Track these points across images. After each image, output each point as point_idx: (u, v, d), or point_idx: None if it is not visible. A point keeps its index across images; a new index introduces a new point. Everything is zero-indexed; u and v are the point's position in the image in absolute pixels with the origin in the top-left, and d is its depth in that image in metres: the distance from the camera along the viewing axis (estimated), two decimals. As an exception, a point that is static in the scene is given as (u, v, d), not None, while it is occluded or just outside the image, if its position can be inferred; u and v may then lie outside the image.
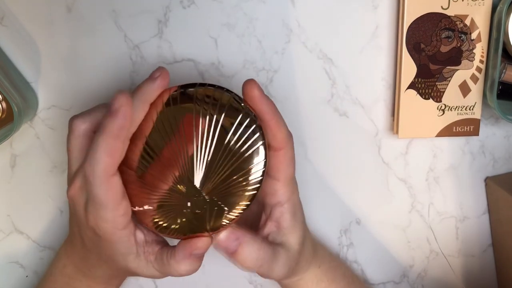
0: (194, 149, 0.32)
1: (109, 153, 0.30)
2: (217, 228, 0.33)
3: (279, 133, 0.34)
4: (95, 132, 0.34)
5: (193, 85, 0.33)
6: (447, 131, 0.44)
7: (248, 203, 0.33)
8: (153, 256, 0.34)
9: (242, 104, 0.33)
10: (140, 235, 0.34)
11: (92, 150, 0.30)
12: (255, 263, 0.34)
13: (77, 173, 0.33)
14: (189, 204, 0.33)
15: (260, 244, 0.34)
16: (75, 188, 0.33)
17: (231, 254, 0.34)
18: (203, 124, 0.32)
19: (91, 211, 0.32)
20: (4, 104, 0.42)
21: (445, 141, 0.46)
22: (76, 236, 0.36)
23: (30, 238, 0.46)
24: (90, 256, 0.36)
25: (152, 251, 0.34)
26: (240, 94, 0.34)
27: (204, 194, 0.33)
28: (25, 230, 0.46)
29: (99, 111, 0.35)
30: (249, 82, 0.33)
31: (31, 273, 0.47)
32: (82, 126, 0.34)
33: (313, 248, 0.41)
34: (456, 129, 0.44)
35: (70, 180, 0.34)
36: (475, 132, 0.44)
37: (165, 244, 0.35)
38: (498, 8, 0.41)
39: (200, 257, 0.34)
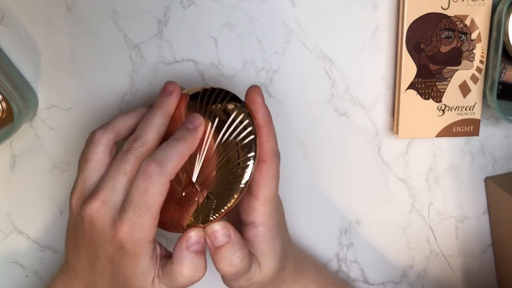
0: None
1: (182, 157, 0.32)
2: (206, 221, 0.33)
3: (267, 144, 0.34)
4: (115, 143, 0.34)
5: (198, 93, 0.36)
6: (447, 131, 0.44)
7: (237, 196, 0.33)
8: (161, 271, 0.33)
9: (240, 102, 0.34)
10: (157, 250, 0.33)
11: (163, 152, 0.31)
12: (229, 269, 0.33)
13: (101, 188, 0.32)
14: (183, 194, 0.34)
15: (245, 254, 0.34)
16: (97, 204, 0.31)
17: (215, 248, 0.33)
18: (206, 122, 0.34)
19: (131, 218, 0.30)
20: (4, 104, 0.42)
21: (445, 141, 0.46)
22: (81, 260, 0.34)
23: (30, 238, 0.47)
24: (99, 281, 0.34)
25: (160, 266, 0.33)
26: (241, 95, 0.35)
27: (197, 186, 0.33)
28: (25, 230, 0.46)
29: (119, 122, 0.35)
30: (254, 88, 0.34)
31: (31, 273, 0.47)
32: (104, 137, 0.34)
33: (296, 269, 0.40)
34: (456, 129, 0.44)
35: (90, 195, 0.32)
36: (475, 132, 0.44)
37: (170, 257, 0.34)
38: (498, 8, 0.41)
39: (199, 253, 0.33)
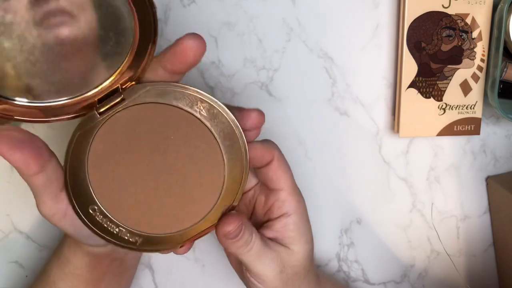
0: None
1: None
2: None
3: (266, 153, 0.34)
4: None
5: None
6: (448, 130, 0.44)
7: None
8: None
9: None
10: None
11: None
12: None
13: None
14: None
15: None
16: None
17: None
18: None
19: None
20: (3, 104, 0.42)
21: (446, 140, 0.46)
22: None
23: (30, 238, 0.46)
24: None
25: None
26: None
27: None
28: (25, 230, 0.46)
29: None
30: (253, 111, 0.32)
31: (30, 273, 0.47)
32: None
33: (318, 282, 0.40)
34: (457, 128, 0.44)
35: None
36: (476, 131, 0.44)
37: None
38: (499, 6, 0.41)
39: None
